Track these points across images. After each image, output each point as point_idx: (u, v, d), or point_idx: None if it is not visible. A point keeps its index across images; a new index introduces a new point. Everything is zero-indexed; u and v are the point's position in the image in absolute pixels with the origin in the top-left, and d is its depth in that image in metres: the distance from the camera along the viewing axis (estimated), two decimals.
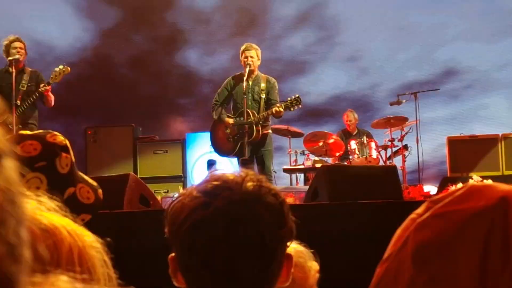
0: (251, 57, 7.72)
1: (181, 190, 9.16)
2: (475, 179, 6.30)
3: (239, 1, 13.58)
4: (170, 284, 1.65)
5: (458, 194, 0.81)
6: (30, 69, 7.98)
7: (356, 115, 10.47)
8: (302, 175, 10.05)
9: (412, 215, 0.84)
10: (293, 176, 10.07)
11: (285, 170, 9.81)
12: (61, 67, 7.80)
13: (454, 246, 0.77)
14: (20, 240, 0.64)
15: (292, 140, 10.12)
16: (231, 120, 7.86)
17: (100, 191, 2.24)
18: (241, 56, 7.79)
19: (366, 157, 9.29)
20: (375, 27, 13.44)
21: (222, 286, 1.37)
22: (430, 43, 13.35)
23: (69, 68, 7.83)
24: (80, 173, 2.20)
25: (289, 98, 7.75)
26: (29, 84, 7.84)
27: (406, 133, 9.72)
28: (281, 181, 9.84)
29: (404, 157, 9.73)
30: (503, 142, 9.12)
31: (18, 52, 7.78)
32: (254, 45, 7.83)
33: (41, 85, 7.70)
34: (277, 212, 1.40)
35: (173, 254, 1.45)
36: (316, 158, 9.78)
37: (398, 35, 13.40)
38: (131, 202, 5.22)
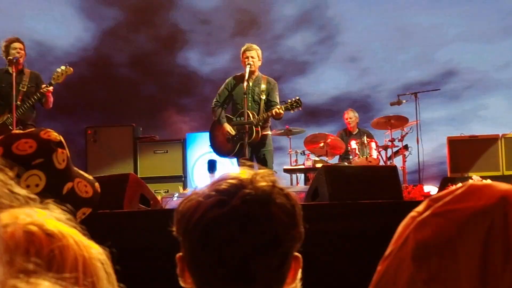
0: (252, 57, 7.70)
1: (181, 190, 9.16)
2: (475, 179, 6.29)
3: (240, 1, 13.58)
4: (170, 284, 1.65)
5: (458, 193, 0.82)
6: (29, 70, 7.97)
7: (356, 114, 10.46)
8: (303, 175, 10.05)
9: (412, 213, 0.84)
10: (294, 176, 10.06)
11: (285, 170, 9.81)
12: (63, 67, 7.78)
13: (454, 245, 0.77)
14: None
15: (292, 140, 10.13)
16: (228, 127, 7.84)
17: (97, 184, 2.25)
18: (242, 56, 7.78)
19: (367, 157, 9.28)
20: (375, 27, 13.45)
21: (236, 285, 1.37)
22: (431, 43, 13.36)
23: (71, 69, 7.80)
24: (75, 168, 2.20)
25: (289, 100, 7.74)
26: (29, 85, 7.82)
27: (407, 133, 9.72)
28: (281, 181, 9.83)
29: (404, 157, 9.73)
30: (503, 142, 9.13)
31: (18, 52, 7.77)
32: (255, 46, 7.82)
33: (43, 86, 7.69)
34: (290, 212, 1.40)
35: (181, 254, 1.45)
36: (317, 158, 9.78)
37: (398, 36, 13.41)
38: (132, 202, 5.22)
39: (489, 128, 11.06)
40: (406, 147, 9.78)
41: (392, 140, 9.68)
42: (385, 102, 11.45)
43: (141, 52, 13.51)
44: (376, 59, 13.49)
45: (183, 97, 13.43)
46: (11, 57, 7.67)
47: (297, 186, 9.56)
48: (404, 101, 9.97)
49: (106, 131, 10.33)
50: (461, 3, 13.15)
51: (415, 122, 9.78)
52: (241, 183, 1.40)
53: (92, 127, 10.36)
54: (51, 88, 7.70)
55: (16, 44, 7.79)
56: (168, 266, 1.65)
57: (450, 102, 13.09)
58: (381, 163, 9.55)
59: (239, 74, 7.92)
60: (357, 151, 9.37)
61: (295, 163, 10.00)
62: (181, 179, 10.14)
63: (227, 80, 8.05)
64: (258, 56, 7.77)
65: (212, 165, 8.40)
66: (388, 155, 9.85)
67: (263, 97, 7.81)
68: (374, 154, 9.39)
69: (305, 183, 9.66)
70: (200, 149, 10.30)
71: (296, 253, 1.45)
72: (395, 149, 9.78)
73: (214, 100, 8.01)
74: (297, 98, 7.71)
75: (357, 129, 10.40)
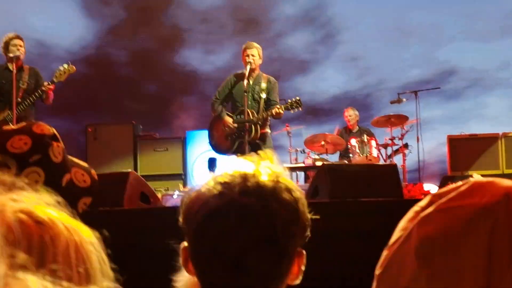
0: (252, 55, 7.69)
1: (181, 188, 9.17)
2: (475, 177, 6.30)
3: (241, 0, 13.58)
4: (169, 282, 1.65)
5: (462, 189, 0.81)
6: (28, 67, 7.96)
7: (356, 112, 10.46)
8: (303, 173, 10.05)
9: (415, 208, 0.84)
10: (294, 174, 10.06)
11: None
12: (65, 66, 7.76)
13: (458, 242, 0.77)
14: None
15: (292, 139, 10.13)
16: (230, 120, 7.84)
17: (93, 171, 2.24)
18: (242, 54, 7.77)
19: (367, 155, 9.28)
20: (376, 26, 13.45)
21: (231, 277, 1.37)
22: (431, 42, 13.36)
23: (74, 68, 7.78)
24: (70, 157, 2.20)
25: (289, 100, 7.73)
26: (29, 82, 7.82)
27: (407, 132, 9.72)
28: (287, 176, 9.82)
29: (404, 155, 9.73)
30: (503, 141, 9.13)
31: (18, 49, 7.75)
32: (256, 44, 7.81)
33: (45, 83, 7.68)
34: (291, 207, 1.39)
35: (185, 244, 1.46)
36: (317, 157, 9.78)
37: (399, 35, 13.41)
38: (132, 200, 5.22)
39: (489, 127, 11.07)
40: (406, 146, 9.78)
41: (392, 139, 9.68)
42: (385, 101, 11.46)
43: (142, 50, 13.51)
44: (376, 58, 13.49)
45: (184, 95, 13.43)
46: (11, 54, 7.66)
47: (297, 184, 9.56)
48: (404, 99, 9.97)
49: (107, 129, 10.33)
50: (461, 2, 13.15)
51: (415, 120, 9.78)
52: (243, 176, 1.40)
53: (93, 124, 10.36)
54: (52, 86, 7.69)
55: (16, 41, 7.78)
56: (168, 264, 1.65)
57: (450, 101, 13.10)
58: (381, 161, 9.55)
59: (239, 72, 7.90)
60: (357, 149, 9.37)
61: (295, 162, 10.01)
62: (181, 177, 10.15)
63: (228, 78, 8.04)
64: (258, 54, 7.76)
65: (212, 163, 8.40)
66: (388, 154, 9.85)
67: (263, 95, 7.80)
68: (374, 152, 9.39)
69: (305, 181, 9.67)
70: (200, 147, 10.30)
71: (300, 249, 1.45)
72: (395, 148, 9.79)
73: (214, 97, 8.00)
74: (298, 98, 7.70)
75: (357, 127, 10.40)
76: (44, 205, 1.09)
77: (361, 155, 9.29)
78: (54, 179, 2.02)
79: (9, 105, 7.63)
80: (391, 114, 9.71)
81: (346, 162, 9.41)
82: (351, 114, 10.41)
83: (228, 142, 7.87)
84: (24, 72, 7.85)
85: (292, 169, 9.79)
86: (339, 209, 4.81)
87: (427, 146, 10.48)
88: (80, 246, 1.06)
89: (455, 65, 13.19)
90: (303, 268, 1.46)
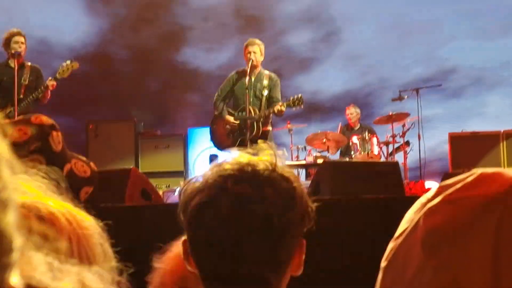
0: (254, 52, 7.69)
1: (182, 185, 9.17)
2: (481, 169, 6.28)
3: None
4: None
5: (469, 180, 0.81)
6: (29, 64, 7.96)
7: (358, 110, 10.47)
8: (304, 170, 10.05)
9: (422, 199, 0.84)
10: (295, 171, 10.05)
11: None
12: (68, 62, 7.77)
13: (465, 233, 0.77)
14: (2, 184, 0.62)
15: (294, 136, 10.13)
16: (231, 118, 7.84)
17: (92, 163, 2.24)
18: (244, 51, 7.77)
19: (368, 153, 9.28)
20: (378, 24, 13.43)
21: (228, 265, 1.37)
22: (433, 40, 13.35)
23: (77, 64, 7.79)
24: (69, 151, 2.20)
25: (291, 97, 7.73)
26: (30, 79, 7.82)
27: (408, 129, 9.71)
28: (283, 163, 9.82)
29: (405, 153, 9.72)
30: (504, 139, 9.12)
31: (20, 46, 7.75)
32: (258, 41, 7.80)
33: (49, 79, 7.68)
34: (286, 195, 1.39)
35: (185, 237, 1.46)
36: (318, 154, 9.78)
37: (400, 33, 13.40)
38: (133, 196, 5.22)
39: (491, 125, 11.04)
40: (407, 143, 9.78)
41: (394, 136, 9.68)
42: (387, 99, 11.44)
43: (143, 48, 13.50)
44: (378, 56, 13.48)
45: (185, 93, 13.42)
46: (12, 51, 7.66)
47: None
48: (405, 96, 9.97)
49: (108, 126, 10.34)
50: (463, 1, 13.15)
51: (416, 117, 9.78)
52: (238, 166, 1.40)
53: (94, 122, 10.36)
54: (54, 82, 7.69)
55: (18, 38, 7.78)
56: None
57: (451, 99, 13.09)
58: (382, 159, 9.55)
59: (241, 69, 7.90)
60: (358, 147, 9.37)
61: (296, 159, 10.00)
62: (182, 174, 10.15)
63: (229, 75, 8.04)
64: (260, 51, 7.75)
65: (214, 160, 8.39)
66: (390, 151, 9.84)
67: (265, 93, 7.80)
68: (376, 150, 9.38)
69: (306, 179, 9.66)
70: (201, 144, 10.31)
71: (301, 239, 1.44)
72: (396, 145, 9.78)
73: (216, 94, 8.00)
74: (299, 95, 7.69)
75: (358, 125, 10.40)
76: (47, 193, 1.08)
77: (363, 153, 9.29)
78: (55, 167, 2.01)
79: (10, 102, 7.63)
80: (392, 113, 9.70)
81: (347, 159, 9.41)
82: (352, 112, 10.41)
83: (230, 140, 7.87)
84: (26, 69, 7.85)
85: (294, 167, 9.79)
86: (341, 206, 4.81)
87: (429, 143, 10.48)
88: (83, 239, 1.06)
89: (457, 63, 13.19)
90: (303, 258, 1.46)
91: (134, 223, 4.79)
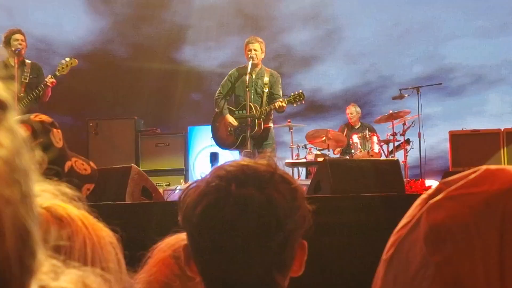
0: (255, 50, 7.69)
1: (182, 183, 9.17)
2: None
3: None
4: None
5: (472, 177, 0.81)
6: (30, 61, 7.97)
7: (358, 109, 10.46)
8: (304, 169, 10.05)
9: (423, 195, 0.84)
10: (295, 170, 10.06)
11: (287, 164, 9.81)
12: (67, 59, 7.78)
13: (469, 230, 0.76)
14: (30, 190, 0.63)
15: (294, 134, 10.12)
16: (231, 119, 7.84)
17: (91, 162, 2.25)
18: (245, 49, 7.77)
19: (368, 151, 9.28)
20: (378, 23, 13.42)
21: (235, 269, 1.36)
22: (433, 39, 13.34)
23: (76, 61, 7.81)
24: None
25: (292, 94, 7.74)
26: (31, 76, 7.82)
27: (409, 127, 9.71)
28: (282, 167, 9.82)
29: (406, 151, 9.72)
30: (504, 137, 9.12)
31: (20, 44, 7.76)
32: (259, 38, 7.81)
33: (49, 77, 7.68)
34: (289, 197, 1.39)
35: (186, 243, 1.45)
36: (318, 152, 9.78)
37: (401, 31, 13.39)
38: (133, 194, 5.22)
39: (491, 123, 11.03)
40: (408, 141, 9.78)
41: (394, 134, 9.68)
42: (387, 97, 11.44)
43: (144, 46, 13.49)
44: (378, 54, 13.47)
45: (186, 91, 13.41)
46: (12, 49, 7.67)
47: (299, 179, 9.56)
48: (406, 95, 9.97)
49: (108, 124, 10.34)
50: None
51: (417, 116, 9.78)
52: (240, 169, 1.40)
53: (94, 119, 10.36)
54: (54, 80, 7.69)
55: (18, 36, 7.78)
56: None
57: (452, 97, 13.08)
58: (383, 157, 9.55)
59: (242, 66, 7.91)
60: (359, 145, 9.38)
61: (296, 157, 10.00)
62: (183, 172, 10.15)
63: (230, 72, 8.04)
64: (261, 49, 7.75)
65: (214, 158, 8.40)
66: (390, 149, 9.84)
67: (266, 90, 7.81)
68: (376, 148, 9.39)
69: (307, 177, 9.66)
70: (201, 142, 10.31)
71: (302, 240, 1.44)
72: (396, 143, 9.78)
73: (217, 92, 8.01)
74: (300, 91, 7.70)
75: (359, 123, 10.41)
76: (65, 200, 1.08)
77: (363, 151, 9.30)
78: (57, 163, 2.01)
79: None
80: (393, 111, 9.69)
81: (348, 157, 9.41)
82: (352, 112, 10.41)
83: (232, 137, 7.88)
84: (26, 67, 7.85)
85: (294, 165, 9.79)
86: (341, 204, 4.80)
87: (429, 142, 10.47)
88: (97, 246, 1.06)
89: (457, 61, 13.17)
90: (305, 259, 1.46)
91: (134, 221, 4.79)
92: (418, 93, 9.91)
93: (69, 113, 11.74)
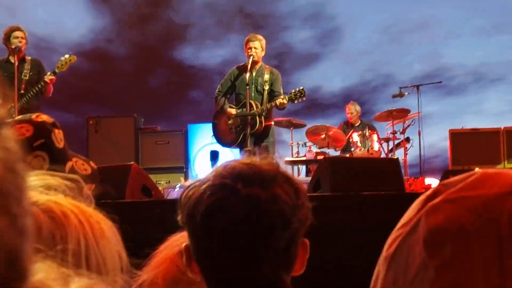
0: (255, 48, 7.68)
1: (182, 181, 9.17)
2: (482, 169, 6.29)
3: None
4: None
5: (470, 180, 0.81)
6: (30, 58, 7.96)
7: (357, 108, 10.45)
8: (304, 167, 10.05)
9: (422, 197, 0.84)
10: (295, 168, 10.06)
11: (287, 162, 9.81)
12: (67, 56, 7.78)
13: (467, 233, 0.77)
14: (22, 210, 0.61)
15: (294, 133, 10.12)
16: (233, 111, 7.84)
17: (91, 162, 2.25)
18: (245, 46, 7.77)
19: (368, 149, 9.28)
20: (379, 22, 13.43)
21: (244, 268, 1.36)
22: (434, 37, 13.34)
23: (75, 57, 7.81)
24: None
25: (293, 91, 7.73)
26: (31, 73, 7.82)
27: (408, 126, 9.71)
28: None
29: (406, 149, 9.72)
30: (504, 136, 9.12)
31: (20, 41, 7.76)
32: (259, 36, 7.79)
33: (48, 74, 7.68)
34: (293, 194, 1.39)
35: (186, 243, 1.44)
36: (318, 150, 9.78)
37: (401, 30, 13.39)
38: (133, 192, 5.22)
39: (491, 121, 11.05)
40: (407, 140, 9.78)
41: (394, 133, 9.68)
42: (387, 96, 11.45)
43: (144, 44, 13.50)
44: (378, 53, 13.48)
45: (185, 89, 13.42)
46: (12, 46, 7.67)
47: (299, 177, 9.56)
48: (406, 93, 9.96)
49: (108, 122, 10.33)
50: None
51: (417, 114, 9.77)
52: (243, 167, 1.39)
53: (94, 117, 10.35)
54: (54, 76, 7.69)
55: (18, 33, 7.78)
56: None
57: (452, 96, 13.09)
58: (383, 155, 9.55)
59: (242, 64, 7.90)
60: (358, 143, 9.38)
61: (296, 155, 10.00)
62: (183, 170, 10.15)
63: (230, 70, 8.04)
64: (261, 47, 7.74)
65: (214, 156, 8.40)
66: (390, 148, 9.84)
67: (266, 87, 7.81)
68: (376, 146, 9.38)
69: (307, 175, 9.66)
70: (201, 140, 10.31)
71: (304, 239, 1.44)
72: (396, 142, 9.78)
73: (217, 90, 8.00)
74: (301, 88, 7.69)
75: (359, 121, 10.40)
76: (60, 198, 1.07)
77: (363, 149, 9.29)
78: (58, 164, 2.01)
79: (12, 98, 7.63)
80: (393, 109, 9.70)
81: (347, 156, 9.41)
82: (352, 111, 10.40)
83: (233, 135, 7.87)
84: (27, 64, 7.85)
85: (294, 163, 9.79)
86: (341, 202, 4.81)
87: (429, 140, 10.49)
88: (93, 242, 1.04)
89: (457, 60, 13.18)
90: (307, 258, 1.46)
91: (134, 219, 4.79)
92: (418, 92, 9.90)
93: (69, 111, 11.74)
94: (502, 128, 9.21)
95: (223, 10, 13.51)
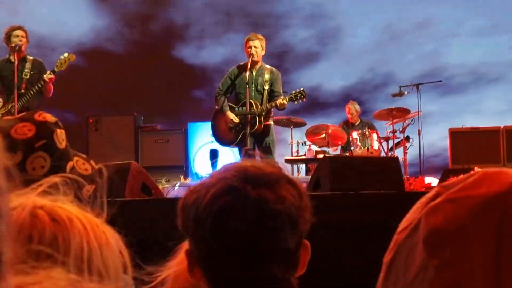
0: (255, 47, 7.68)
1: (182, 179, 9.16)
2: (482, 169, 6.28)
3: None
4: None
5: (470, 180, 0.81)
6: (31, 57, 7.97)
7: (357, 107, 10.45)
8: (304, 165, 10.05)
9: (423, 199, 0.84)
10: (295, 166, 10.06)
11: (286, 161, 9.81)
12: (66, 55, 7.79)
13: (466, 232, 0.77)
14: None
15: (294, 131, 10.12)
16: (231, 115, 7.83)
17: (92, 161, 2.24)
18: (245, 46, 7.77)
19: (368, 148, 9.28)
20: (378, 21, 13.43)
21: (251, 271, 1.35)
22: (434, 37, 13.34)
23: (74, 56, 7.81)
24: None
25: (293, 91, 7.73)
26: (32, 72, 7.82)
27: (408, 125, 9.71)
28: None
29: (405, 148, 9.72)
30: (504, 135, 9.11)
31: (20, 40, 7.76)
32: (259, 35, 7.79)
33: (48, 73, 7.69)
34: (297, 195, 1.39)
35: (187, 248, 1.43)
36: (318, 149, 9.78)
37: (401, 29, 13.39)
38: (133, 191, 5.22)
39: (491, 121, 11.04)
40: (407, 139, 9.78)
41: (394, 132, 9.68)
42: (387, 95, 11.45)
43: (144, 43, 13.50)
44: (378, 52, 13.49)
45: (185, 87, 13.42)
46: (12, 45, 7.67)
47: (298, 176, 9.56)
48: (406, 92, 9.96)
49: (108, 120, 10.33)
50: None
51: (416, 113, 9.77)
52: (247, 169, 1.38)
53: (94, 116, 10.35)
54: (53, 75, 7.69)
55: (18, 32, 7.79)
56: (169, 255, 1.65)
57: (452, 95, 13.09)
58: (382, 154, 9.55)
59: (242, 63, 7.90)
60: (358, 142, 9.37)
61: (296, 154, 10.00)
62: (182, 168, 10.15)
63: (230, 69, 8.04)
64: (261, 46, 7.74)
65: (214, 154, 8.40)
66: (390, 147, 9.84)
67: (266, 87, 7.80)
68: (376, 145, 9.38)
69: (306, 174, 9.67)
70: (201, 138, 10.31)
71: (305, 240, 1.44)
72: (396, 141, 9.78)
73: (217, 89, 8.00)
74: (301, 89, 7.70)
75: (359, 120, 10.40)
76: (67, 204, 1.07)
77: (363, 148, 9.29)
78: (58, 165, 2.01)
79: (13, 97, 7.63)
80: (393, 108, 9.70)
81: (347, 154, 9.41)
82: (352, 112, 10.40)
83: (232, 134, 7.87)
84: (28, 63, 7.86)
85: (294, 161, 9.79)
86: (341, 201, 4.81)
87: (429, 139, 10.48)
88: (96, 249, 1.04)
89: (457, 59, 13.19)
90: (308, 259, 1.45)
91: (134, 218, 4.80)
92: (418, 90, 9.90)
93: (69, 109, 11.74)
94: (502, 127, 9.21)
95: (224, 9, 13.50)
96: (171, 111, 12.64)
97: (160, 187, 6.78)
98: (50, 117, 2.08)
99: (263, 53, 7.81)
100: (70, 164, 2.10)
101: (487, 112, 12.84)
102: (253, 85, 7.75)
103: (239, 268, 1.35)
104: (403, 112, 9.71)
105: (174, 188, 8.06)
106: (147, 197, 5.42)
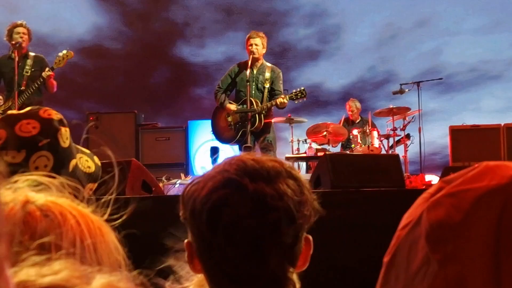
0: (256, 45, 7.68)
1: (183, 177, 9.16)
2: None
3: None
4: (170, 270, 1.65)
5: (471, 173, 0.81)
6: (33, 54, 7.97)
7: (358, 104, 10.45)
8: (304, 163, 10.04)
9: (424, 194, 0.84)
10: (295, 164, 10.05)
11: (287, 159, 9.79)
12: (64, 52, 7.80)
13: (467, 225, 0.77)
14: None
15: (294, 129, 10.12)
16: (233, 106, 7.84)
17: (95, 157, 2.23)
18: (246, 44, 7.77)
19: (368, 146, 9.27)
20: (378, 20, 13.42)
21: (247, 265, 1.35)
22: (434, 35, 13.34)
23: (72, 53, 7.82)
24: (73, 144, 2.18)
25: (294, 90, 7.74)
26: (33, 69, 7.82)
27: (409, 122, 9.70)
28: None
29: (406, 146, 9.72)
30: (505, 132, 9.11)
31: (21, 37, 7.76)
32: (260, 33, 7.79)
33: (46, 70, 7.70)
34: (298, 189, 1.38)
35: (189, 240, 1.43)
36: (318, 147, 9.77)
37: (401, 28, 13.39)
38: (134, 188, 5.22)
39: (491, 118, 11.04)
40: (408, 136, 9.77)
41: (394, 129, 9.67)
42: (388, 92, 11.45)
43: (145, 41, 13.49)
44: (378, 50, 13.49)
45: (186, 85, 13.41)
46: (13, 42, 7.67)
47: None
48: (406, 90, 9.96)
49: (108, 118, 10.33)
50: None
51: (417, 111, 9.77)
52: (247, 163, 1.38)
53: (94, 113, 10.35)
54: (52, 72, 7.70)
55: (20, 29, 7.79)
56: (169, 253, 1.65)
57: (452, 92, 13.09)
58: (383, 152, 9.54)
59: (243, 61, 7.90)
60: (359, 140, 9.37)
61: (296, 152, 9.99)
62: (183, 166, 10.15)
63: (231, 67, 8.04)
64: (262, 44, 7.73)
65: (214, 152, 8.40)
66: (390, 144, 9.84)
67: (267, 85, 7.80)
68: (376, 143, 9.38)
69: (307, 172, 9.65)
70: (202, 136, 10.30)
71: (307, 235, 1.44)
72: (397, 138, 9.77)
73: (217, 86, 8.00)
74: (302, 88, 7.70)
75: (359, 118, 10.40)
76: (62, 199, 1.06)
77: (363, 146, 9.29)
78: (61, 164, 2.00)
79: (14, 93, 7.64)
80: (393, 106, 9.69)
81: (348, 152, 9.41)
82: (353, 109, 10.40)
83: (232, 132, 7.87)
84: (29, 60, 7.86)
85: (294, 159, 9.78)
86: (342, 198, 4.81)
87: (429, 137, 10.47)
88: (90, 246, 1.03)
89: (457, 57, 13.19)
90: (310, 254, 1.45)
91: (134, 215, 4.79)
92: (418, 88, 9.90)
93: (69, 107, 11.74)
94: (503, 124, 9.20)
95: (224, 7, 13.50)
96: (172, 109, 12.64)
97: (160, 184, 6.79)
98: (55, 115, 2.07)
99: (264, 51, 7.80)
100: (73, 162, 2.09)
101: (487, 110, 12.84)
102: (253, 83, 7.75)
103: (234, 261, 1.35)
104: (404, 110, 9.70)
105: (174, 186, 8.06)
106: (147, 194, 5.42)
